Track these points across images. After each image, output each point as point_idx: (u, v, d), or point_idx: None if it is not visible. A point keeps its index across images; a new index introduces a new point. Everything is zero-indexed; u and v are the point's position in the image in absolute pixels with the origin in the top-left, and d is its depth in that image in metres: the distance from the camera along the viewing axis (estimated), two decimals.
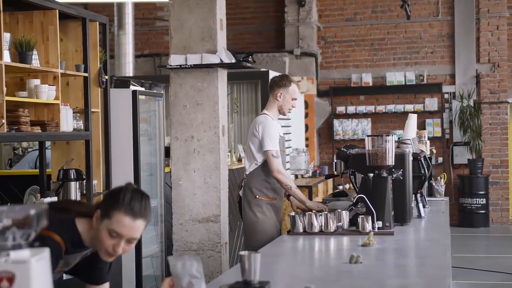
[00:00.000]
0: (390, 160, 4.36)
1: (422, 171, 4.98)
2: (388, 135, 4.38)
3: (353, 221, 4.32)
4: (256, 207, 5.14)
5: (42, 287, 1.76)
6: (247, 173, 5.25)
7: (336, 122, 12.77)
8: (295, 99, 5.27)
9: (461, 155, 12.43)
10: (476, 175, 12.11)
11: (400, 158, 4.51)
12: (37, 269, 1.74)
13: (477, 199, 12.08)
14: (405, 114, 12.38)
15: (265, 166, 5.14)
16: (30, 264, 1.72)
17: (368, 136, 4.42)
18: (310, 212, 4.32)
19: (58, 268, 2.68)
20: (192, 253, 5.52)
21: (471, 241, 11.07)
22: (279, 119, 5.40)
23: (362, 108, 12.70)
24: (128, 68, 10.55)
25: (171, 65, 5.67)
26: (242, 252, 2.72)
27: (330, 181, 11.03)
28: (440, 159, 12.40)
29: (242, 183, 5.35)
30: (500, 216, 12.44)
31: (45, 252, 1.79)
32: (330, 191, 10.41)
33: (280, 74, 5.59)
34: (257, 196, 5.15)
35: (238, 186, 5.48)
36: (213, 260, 5.53)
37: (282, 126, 9.57)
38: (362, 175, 4.51)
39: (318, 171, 10.82)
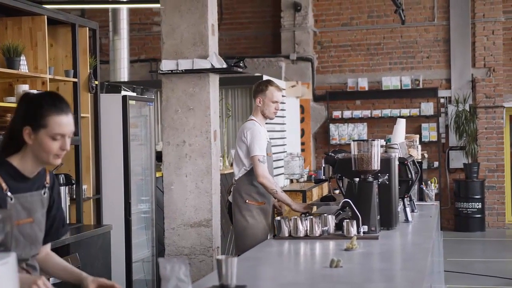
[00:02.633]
0: (376, 165, 4.37)
1: (409, 176, 4.99)
2: (374, 140, 4.39)
3: (339, 226, 4.33)
4: (246, 212, 5.21)
5: None
6: (236, 178, 5.33)
7: (332, 127, 12.79)
8: (276, 102, 5.34)
9: (457, 160, 12.44)
10: (472, 180, 12.12)
11: (386, 162, 4.52)
12: (2, 273, 1.76)
13: (473, 203, 12.08)
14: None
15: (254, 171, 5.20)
16: None
17: (354, 140, 4.43)
18: (295, 217, 4.33)
19: (22, 219, 2.64)
20: (183, 257, 5.52)
21: (466, 246, 11.08)
22: (267, 123, 5.45)
23: (358, 113, 12.72)
24: (123, 73, 10.58)
25: (162, 70, 5.69)
26: (219, 256, 2.74)
27: (325, 185, 11.04)
28: (436, 164, 12.40)
29: (231, 189, 5.39)
30: (496, 220, 12.44)
31: (11, 257, 1.81)
32: None
33: (260, 80, 5.70)
34: (247, 201, 5.23)
35: (227, 191, 5.53)
36: (205, 265, 5.55)
37: (277, 131, 9.66)
38: (348, 180, 4.52)
39: (313, 175, 10.85)
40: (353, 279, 3.07)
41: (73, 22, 5.57)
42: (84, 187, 5.68)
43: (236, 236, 5.33)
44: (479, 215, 12.11)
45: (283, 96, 9.48)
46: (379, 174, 4.47)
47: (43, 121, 2.63)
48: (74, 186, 5.54)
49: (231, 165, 7.99)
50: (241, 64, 5.96)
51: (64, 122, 2.66)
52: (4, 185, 2.61)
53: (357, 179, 4.38)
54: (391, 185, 4.55)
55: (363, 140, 4.42)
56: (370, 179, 4.39)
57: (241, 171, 5.29)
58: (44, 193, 2.76)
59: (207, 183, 5.66)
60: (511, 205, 12.86)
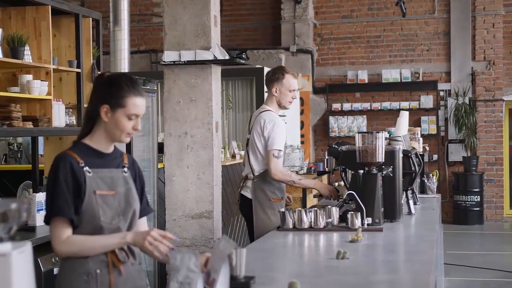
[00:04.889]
0: (380, 157, 4.37)
1: (413, 168, 4.99)
2: (378, 132, 4.39)
3: (343, 218, 4.33)
4: (269, 210, 5.00)
5: (23, 280, 1.78)
6: (255, 173, 5.07)
7: (331, 119, 12.79)
8: (293, 90, 5.12)
9: (456, 153, 12.46)
10: (471, 173, 12.14)
11: (390, 155, 4.52)
12: (19, 262, 1.76)
13: (472, 196, 12.11)
14: (400, 112, 12.39)
15: None
16: (11, 257, 1.74)
17: (358, 133, 4.42)
18: (300, 208, 4.33)
19: (103, 190, 2.79)
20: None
21: (465, 238, 11.11)
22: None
23: (357, 105, 12.72)
24: (124, 64, 10.46)
25: (165, 61, 5.69)
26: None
27: (325, 177, 11.06)
28: (435, 157, 12.42)
29: (246, 183, 5.15)
30: (494, 213, 12.48)
31: (27, 246, 1.81)
32: None
33: (275, 67, 5.38)
34: (271, 199, 5.03)
35: (239, 186, 5.29)
36: None
37: None
38: (353, 172, 4.52)
39: (313, 167, 10.86)
40: (360, 271, 3.08)
41: (76, 12, 5.56)
42: None
43: (257, 233, 5.13)
44: (477, 208, 12.14)
45: None
46: (383, 167, 4.46)
47: (122, 101, 2.78)
48: None
49: (232, 157, 7.99)
50: (243, 56, 5.95)
51: (141, 104, 2.82)
52: (80, 160, 2.77)
53: (361, 171, 4.39)
54: (395, 178, 4.55)
55: (368, 132, 4.41)
56: (375, 171, 4.39)
57: (261, 166, 5.04)
58: (125, 172, 2.90)
59: (209, 175, 5.66)
60: (509, 198, 12.89)
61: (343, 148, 4.76)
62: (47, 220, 2.78)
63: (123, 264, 2.81)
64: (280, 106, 5.17)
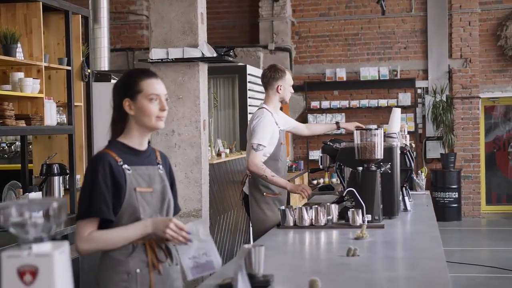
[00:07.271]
0: (379, 154, 4.38)
1: (408, 164, 5.01)
2: (377, 129, 4.39)
3: (341, 215, 4.33)
4: (264, 205, 5.07)
5: (64, 279, 1.74)
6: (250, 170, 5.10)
7: (310, 117, 12.81)
8: (291, 84, 5.31)
9: (434, 150, 12.56)
10: (449, 169, 12.25)
11: (388, 151, 4.53)
12: (60, 261, 1.73)
13: (450, 193, 12.22)
14: (378, 109, 12.51)
15: (269, 162, 5.06)
16: (53, 257, 1.71)
17: (357, 129, 4.42)
18: (300, 206, 4.32)
19: (143, 188, 2.77)
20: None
21: (444, 235, 11.07)
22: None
23: (336, 103, 12.75)
24: (104, 62, 10.42)
25: (152, 59, 5.64)
26: (246, 245, 2.71)
27: (305, 175, 11.08)
28: (413, 154, 12.49)
29: (245, 180, 5.21)
30: (472, 209, 12.60)
31: (66, 246, 1.77)
32: None
33: (269, 66, 5.40)
34: (265, 194, 5.09)
35: (241, 183, 5.35)
36: None
37: None
38: (351, 169, 4.51)
39: (293, 166, 10.88)
40: (375, 268, 3.07)
41: (66, 9, 5.47)
42: (78, 176, 5.60)
43: (254, 228, 5.19)
44: (455, 205, 12.26)
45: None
46: (381, 163, 4.46)
47: (137, 86, 2.79)
48: (68, 176, 5.44)
49: (218, 155, 7.95)
50: (231, 53, 5.94)
51: (155, 83, 2.81)
52: (118, 158, 2.77)
53: (360, 168, 4.38)
54: (393, 174, 4.56)
55: (367, 129, 4.41)
56: (373, 168, 4.39)
57: None
58: (159, 169, 2.89)
59: (197, 173, 5.64)
60: (486, 194, 13.03)
61: (340, 145, 4.75)
62: (80, 218, 2.75)
63: (162, 264, 2.80)
64: (282, 102, 5.28)
